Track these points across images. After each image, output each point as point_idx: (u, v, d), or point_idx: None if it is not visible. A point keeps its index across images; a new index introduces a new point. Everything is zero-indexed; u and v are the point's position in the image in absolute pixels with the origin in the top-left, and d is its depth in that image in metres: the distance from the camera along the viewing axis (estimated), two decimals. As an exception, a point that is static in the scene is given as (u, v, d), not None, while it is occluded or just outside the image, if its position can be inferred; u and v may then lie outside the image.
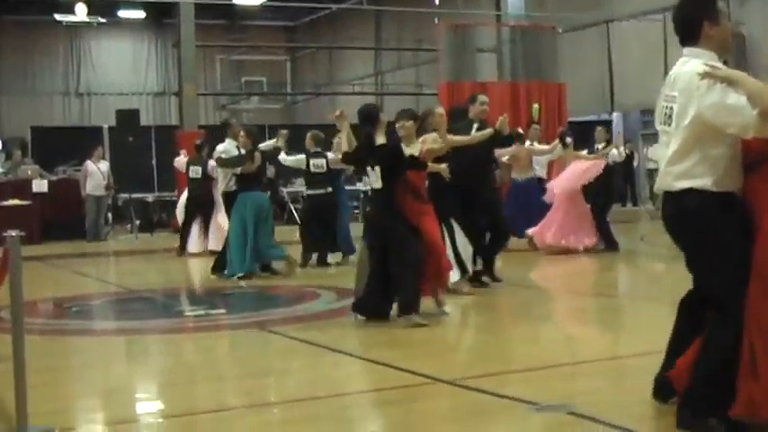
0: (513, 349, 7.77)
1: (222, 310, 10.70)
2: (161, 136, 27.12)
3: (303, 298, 11.24)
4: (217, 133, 20.61)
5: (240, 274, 12.97)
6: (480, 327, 9.57)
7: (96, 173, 21.07)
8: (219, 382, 6.96)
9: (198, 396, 6.54)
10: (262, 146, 13.50)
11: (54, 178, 23.13)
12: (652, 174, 28.50)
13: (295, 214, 26.44)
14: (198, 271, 14.94)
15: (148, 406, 6.49)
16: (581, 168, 15.42)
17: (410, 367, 6.92)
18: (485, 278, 11.42)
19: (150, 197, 25.72)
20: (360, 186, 26.75)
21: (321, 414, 5.85)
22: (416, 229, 9.05)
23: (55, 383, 6.92)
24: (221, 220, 15.65)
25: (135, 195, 24.47)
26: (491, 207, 11.49)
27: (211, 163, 15.59)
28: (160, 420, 6.00)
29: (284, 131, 13.93)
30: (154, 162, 28.00)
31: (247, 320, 9.88)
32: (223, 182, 13.90)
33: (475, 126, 11.20)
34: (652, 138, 29.78)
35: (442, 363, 7.23)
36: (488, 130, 10.80)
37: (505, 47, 26.92)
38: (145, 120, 36.07)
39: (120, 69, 40.80)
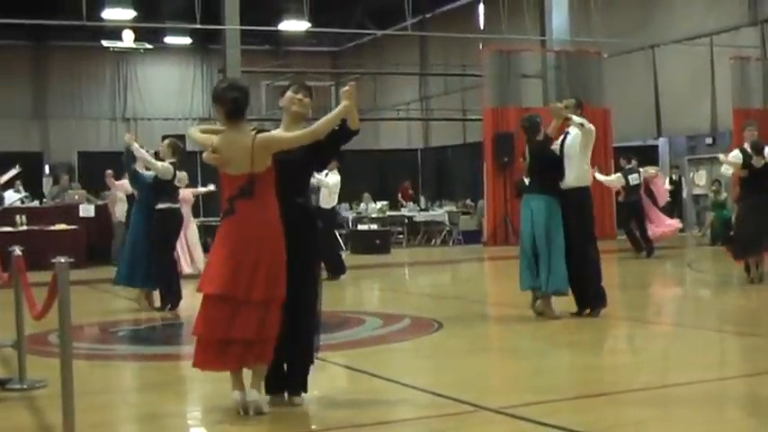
0: (558, 377, 7.71)
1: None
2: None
3: (347, 324, 11.23)
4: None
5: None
6: (522, 354, 9.49)
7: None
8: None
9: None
10: None
11: (100, 203, 23.33)
12: (698, 199, 28.28)
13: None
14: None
15: None
16: None
17: (454, 395, 6.88)
18: None
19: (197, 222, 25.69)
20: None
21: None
22: None
23: (102, 408, 6.95)
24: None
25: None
26: None
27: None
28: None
29: None
30: (199, 186, 28.08)
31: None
32: None
33: None
34: (698, 163, 29.56)
35: (486, 390, 7.18)
36: None
37: (550, 72, 26.92)
38: (190, 145, 36.30)
39: (166, 95, 41.21)
